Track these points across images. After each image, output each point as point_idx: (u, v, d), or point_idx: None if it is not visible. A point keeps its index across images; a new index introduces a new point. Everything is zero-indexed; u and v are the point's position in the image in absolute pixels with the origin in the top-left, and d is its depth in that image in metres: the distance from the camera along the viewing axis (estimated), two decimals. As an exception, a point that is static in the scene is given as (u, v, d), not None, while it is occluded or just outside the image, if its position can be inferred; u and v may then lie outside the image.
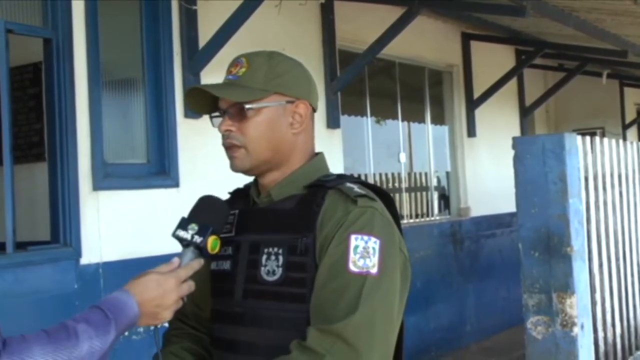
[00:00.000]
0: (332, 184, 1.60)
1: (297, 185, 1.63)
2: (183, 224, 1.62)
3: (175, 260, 1.59)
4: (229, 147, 1.63)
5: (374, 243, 1.50)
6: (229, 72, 1.64)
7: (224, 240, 1.68)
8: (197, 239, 1.59)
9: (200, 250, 1.60)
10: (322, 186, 1.60)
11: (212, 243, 1.59)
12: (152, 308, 1.52)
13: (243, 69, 1.62)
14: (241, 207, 1.71)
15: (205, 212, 1.64)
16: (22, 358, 1.32)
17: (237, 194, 1.78)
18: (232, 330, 1.62)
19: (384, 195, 1.64)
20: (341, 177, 1.65)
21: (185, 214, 1.65)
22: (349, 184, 1.60)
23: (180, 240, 1.62)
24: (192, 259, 1.60)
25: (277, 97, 1.62)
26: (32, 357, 1.33)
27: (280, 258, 1.56)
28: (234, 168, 1.65)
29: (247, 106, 1.59)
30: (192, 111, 1.70)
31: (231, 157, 1.64)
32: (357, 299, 1.45)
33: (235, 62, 1.65)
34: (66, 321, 1.42)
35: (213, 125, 1.69)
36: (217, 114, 1.66)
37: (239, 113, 1.60)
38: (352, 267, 1.48)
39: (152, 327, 1.61)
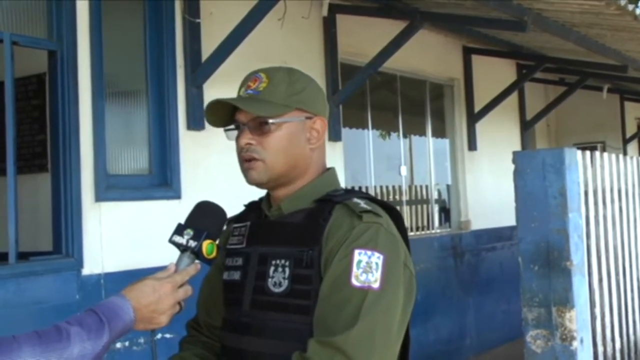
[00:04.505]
0: (339, 199, 1.63)
1: (307, 199, 1.66)
2: (179, 230, 1.65)
3: (171, 265, 1.63)
4: (248, 160, 1.64)
5: (377, 258, 1.52)
6: (247, 86, 1.66)
7: (236, 252, 1.71)
8: (192, 243, 1.62)
9: (197, 255, 1.63)
10: (330, 201, 1.63)
11: (208, 247, 1.62)
12: (148, 313, 1.54)
13: (263, 84, 1.64)
14: (253, 220, 1.74)
15: (201, 217, 1.67)
16: (11, 357, 1.34)
17: (251, 206, 1.80)
18: (239, 339, 1.65)
19: (392, 211, 1.66)
20: (349, 192, 1.67)
21: None
22: (355, 199, 1.62)
23: (177, 245, 1.65)
24: (188, 264, 1.63)
25: (298, 112, 1.65)
26: (21, 357, 1.35)
27: (287, 270, 1.59)
28: (251, 180, 1.66)
29: (271, 121, 1.61)
30: (210, 124, 1.71)
31: (248, 169, 1.65)
32: (357, 313, 1.47)
33: (253, 77, 1.66)
34: (59, 323, 1.44)
35: (228, 138, 1.71)
36: (232, 127, 1.68)
37: (260, 127, 1.62)
38: (354, 281, 1.50)
39: (150, 338, 1.63)
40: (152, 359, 1.66)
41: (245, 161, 1.65)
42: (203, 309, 1.83)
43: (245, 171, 1.66)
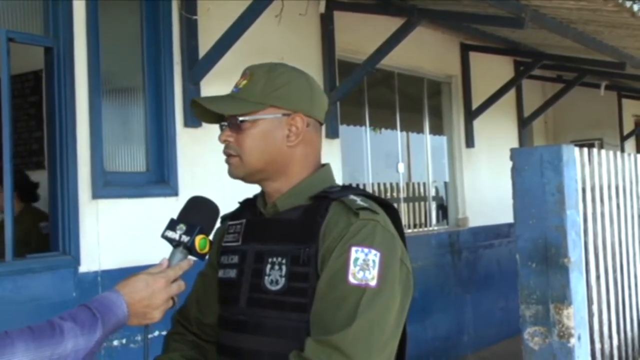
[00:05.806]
0: (335, 196, 1.62)
1: (302, 196, 1.65)
2: (172, 225, 1.65)
3: (164, 261, 1.63)
4: (227, 155, 1.68)
5: (374, 256, 1.52)
6: (236, 84, 1.69)
7: (231, 249, 1.71)
8: (185, 238, 1.62)
9: (190, 250, 1.63)
10: (326, 197, 1.62)
11: (200, 242, 1.62)
12: (142, 308, 1.54)
13: (245, 82, 1.66)
14: (248, 217, 1.74)
15: (194, 212, 1.68)
16: (4, 353, 1.33)
17: (246, 204, 1.81)
18: (236, 337, 1.65)
19: (388, 208, 1.65)
20: (346, 189, 1.67)
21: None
22: (352, 196, 1.62)
23: (169, 240, 1.65)
24: (181, 259, 1.63)
25: (273, 110, 1.64)
26: (14, 353, 1.34)
27: (284, 268, 1.59)
28: (230, 174, 1.70)
29: (240, 119, 1.63)
30: (202, 121, 1.75)
31: (227, 164, 1.69)
32: (354, 311, 1.47)
33: (242, 74, 1.69)
34: (53, 318, 1.44)
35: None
36: (225, 123, 1.70)
37: (236, 125, 1.65)
38: (351, 279, 1.49)
39: (144, 334, 1.63)
40: (146, 356, 1.66)
41: (226, 156, 1.68)
42: (195, 306, 1.82)
43: (227, 166, 1.69)
